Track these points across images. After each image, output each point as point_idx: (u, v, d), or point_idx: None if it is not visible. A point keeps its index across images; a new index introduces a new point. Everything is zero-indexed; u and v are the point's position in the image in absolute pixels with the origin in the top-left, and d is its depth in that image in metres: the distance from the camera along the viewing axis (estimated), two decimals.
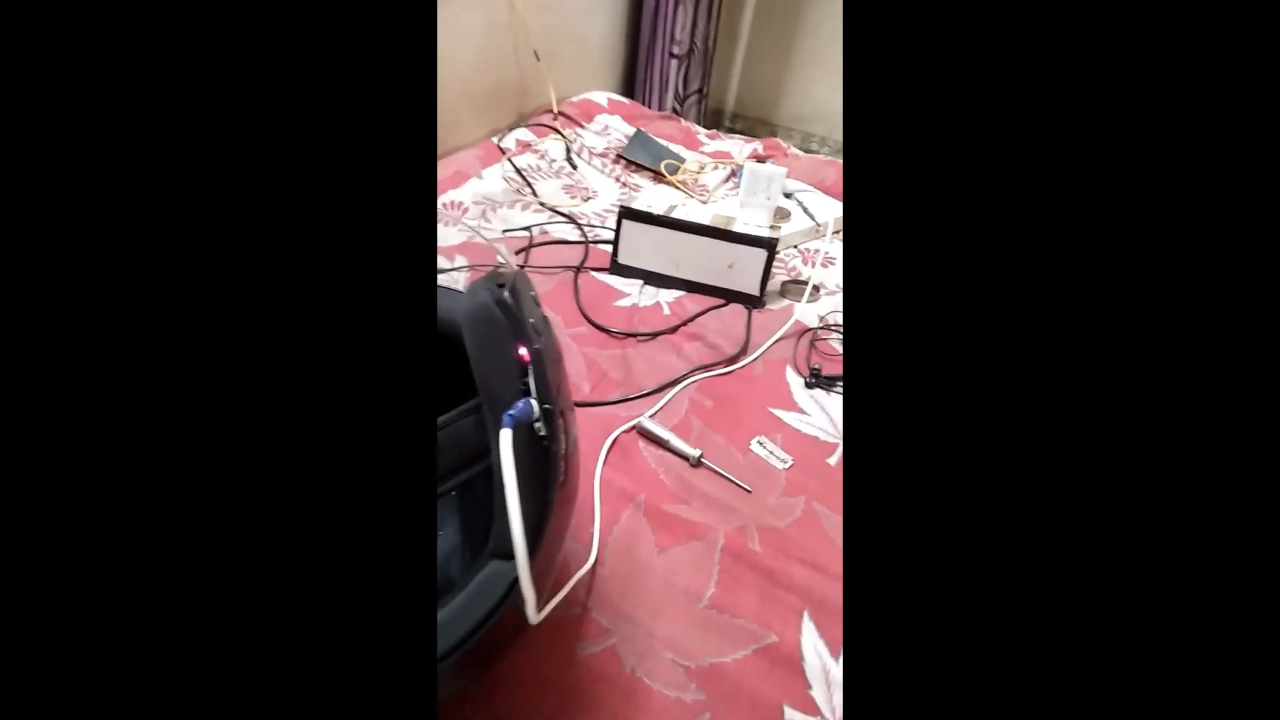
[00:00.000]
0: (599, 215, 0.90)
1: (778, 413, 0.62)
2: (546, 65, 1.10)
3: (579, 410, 0.60)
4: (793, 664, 0.42)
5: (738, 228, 0.77)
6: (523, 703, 0.40)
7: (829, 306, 0.75)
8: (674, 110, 1.42)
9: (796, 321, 0.71)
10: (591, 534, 0.49)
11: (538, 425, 0.32)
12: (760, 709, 0.40)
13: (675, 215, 0.80)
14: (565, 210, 0.90)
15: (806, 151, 1.24)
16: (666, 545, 0.49)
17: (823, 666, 0.42)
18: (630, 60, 1.41)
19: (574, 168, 1.00)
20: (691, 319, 0.72)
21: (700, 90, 1.57)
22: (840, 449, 0.59)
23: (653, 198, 0.94)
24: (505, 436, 0.29)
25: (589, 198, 0.94)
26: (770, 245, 0.71)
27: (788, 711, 0.40)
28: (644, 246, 0.76)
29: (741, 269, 0.73)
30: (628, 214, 0.75)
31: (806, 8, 1.63)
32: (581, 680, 0.42)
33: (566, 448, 0.35)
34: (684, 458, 0.56)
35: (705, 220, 0.81)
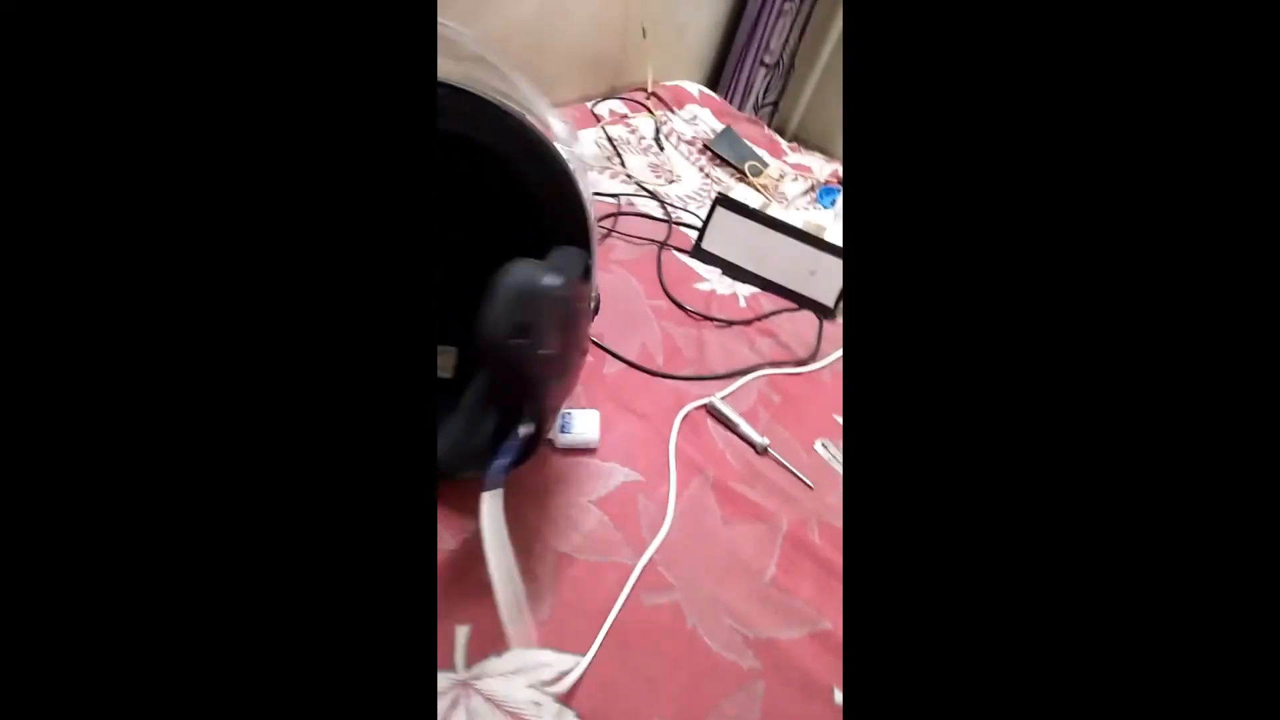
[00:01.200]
0: (680, 199, 0.91)
1: (842, 420, 0.64)
2: (647, 45, 1.11)
3: (651, 380, 0.61)
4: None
5: (828, 239, 0.79)
6: (592, 636, 0.41)
7: None
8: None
9: None
10: (667, 494, 0.50)
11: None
12: (812, 687, 0.42)
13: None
14: (650, 187, 0.91)
15: None
16: (731, 519, 0.51)
17: None
18: (720, 59, 1.43)
19: (661, 149, 1.02)
20: (767, 315, 0.73)
21: (775, 104, 1.59)
22: None
23: (735, 194, 0.96)
24: (489, 504, 0.33)
25: (673, 180, 0.96)
26: None
27: (836, 694, 0.42)
28: (731, 237, 0.77)
29: (822, 278, 0.75)
30: (723, 201, 0.76)
31: None
32: (646, 626, 0.43)
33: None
34: (751, 444, 0.58)
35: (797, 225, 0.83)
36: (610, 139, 0.96)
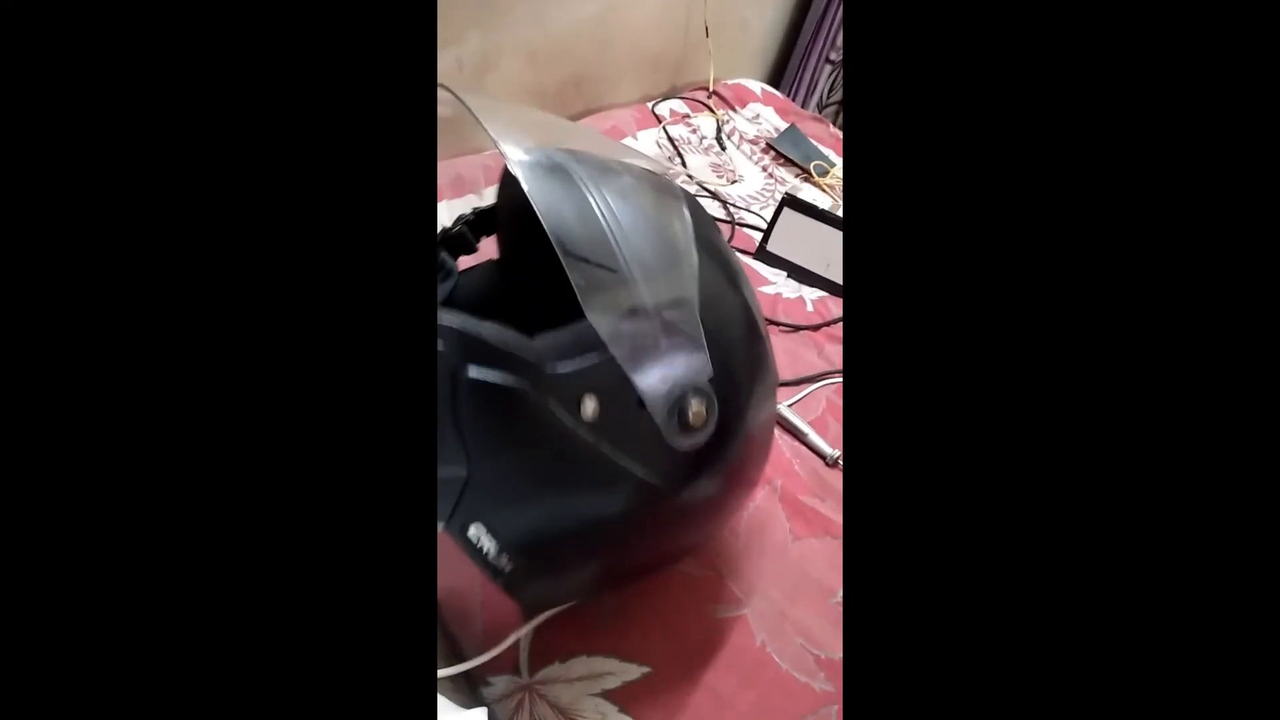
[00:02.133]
0: (743, 199, 0.89)
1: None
2: (709, 44, 1.10)
3: None
4: None
5: None
6: (658, 646, 0.40)
7: None
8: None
9: None
10: None
11: None
12: None
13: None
14: (711, 187, 0.89)
15: None
16: (801, 535, 0.49)
17: None
18: (783, 56, 1.40)
19: (722, 148, 1.00)
20: (836, 321, 0.70)
21: (840, 102, 1.54)
22: None
23: (801, 195, 0.93)
24: None
25: (735, 180, 0.94)
26: None
27: None
28: (797, 239, 0.75)
29: None
30: (791, 202, 0.74)
31: None
32: (713, 640, 0.42)
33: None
34: (820, 455, 0.56)
35: None
36: (671, 139, 0.95)
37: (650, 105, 1.02)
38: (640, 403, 0.28)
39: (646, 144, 0.93)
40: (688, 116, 1.03)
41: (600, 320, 0.27)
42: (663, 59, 1.09)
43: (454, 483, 0.28)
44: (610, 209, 0.29)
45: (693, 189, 0.87)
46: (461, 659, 0.36)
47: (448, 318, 0.27)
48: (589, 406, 0.28)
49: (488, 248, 0.46)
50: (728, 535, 0.47)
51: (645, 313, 0.29)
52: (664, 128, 0.96)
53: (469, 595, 0.41)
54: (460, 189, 0.77)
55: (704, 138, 1.00)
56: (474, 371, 0.27)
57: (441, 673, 0.31)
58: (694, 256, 0.31)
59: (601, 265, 0.28)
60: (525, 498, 0.30)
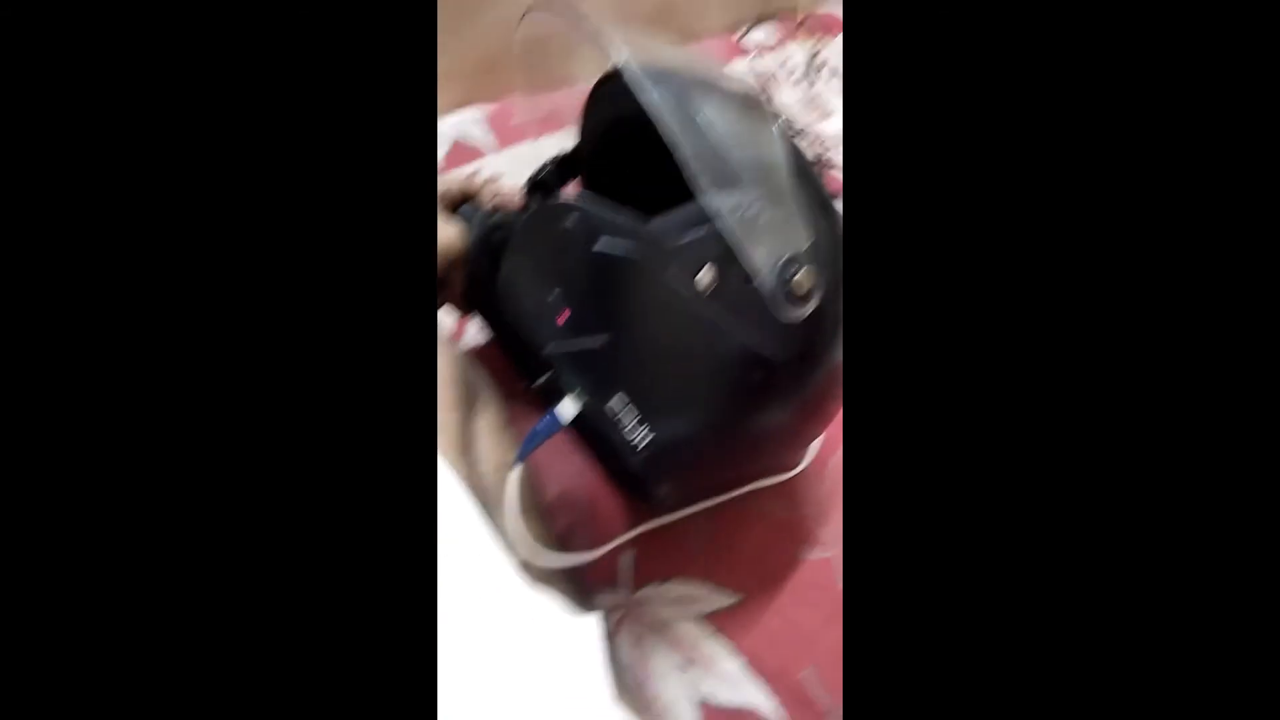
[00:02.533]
0: (834, 138, 0.85)
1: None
2: None
3: None
4: None
5: None
6: (748, 578, 0.43)
7: None
8: None
9: None
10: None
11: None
12: None
13: None
14: (800, 125, 0.85)
15: None
16: None
17: None
18: None
19: (811, 84, 0.95)
20: None
21: None
22: None
23: None
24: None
25: (826, 116, 0.89)
26: None
27: None
28: None
29: None
30: None
31: None
32: (801, 578, 0.44)
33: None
34: None
35: None
36: (758, 73, 0.91)
37: (736, 37, 0.97)
38: (748, 278, 0.31)
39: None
40: (774, 48, 0.98)
41: (711, 197, 0.30)
42: None
43: (590, 353, 0.32)
44: (713, 110, 0.32)
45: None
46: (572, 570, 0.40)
47: (575, 198, 0.31)
48: (705, 276, 0.31)
49: None
50: (815, 479, 0.48)
51: (749, 192, 0.31)
52: (750, 61, 0.92)
53: (582, 500, 0.44)
54: (553, 123, 0.77)
55: (793, 71, 0.95)
56: (601, 244, 0.30)
57: (549, 561, 0.35)
58: (784, 169, 0.33)
59: (709, 153, 0.31)
60: (657, 368, 0.32)
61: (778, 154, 0.34)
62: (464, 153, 0.68)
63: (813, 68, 0.96)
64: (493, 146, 0.70)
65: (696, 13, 0.97)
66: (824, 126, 0.85)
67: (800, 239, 0.32)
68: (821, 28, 1.06)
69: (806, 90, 0.92)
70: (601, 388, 0.32)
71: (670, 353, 0.32)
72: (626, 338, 0.31)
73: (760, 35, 0.98)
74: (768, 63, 0.94)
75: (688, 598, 0.42)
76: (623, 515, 0.43)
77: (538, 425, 0.34)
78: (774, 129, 0.35)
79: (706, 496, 0.40)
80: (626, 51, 0.32)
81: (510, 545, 0.30)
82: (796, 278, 0.30)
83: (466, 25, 0.77)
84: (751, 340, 0.32)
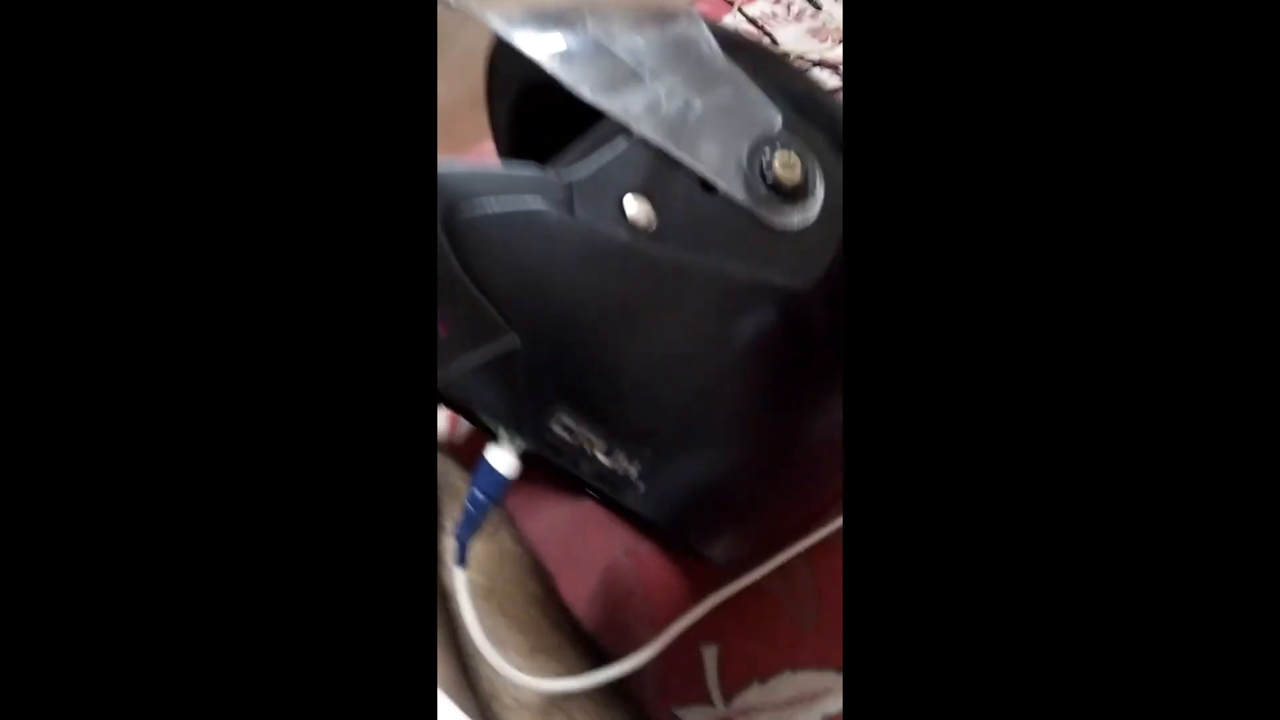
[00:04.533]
0: None
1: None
2: None
3: None
4: None
5: None
6: None
7: None
8: None
9: None
10: None
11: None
12: None
13: None
14: (816, 57, 0.74)
15: None
16: None
17: None
18: None
19: (818, 7, 0.82)
20: None
21: None
22: None
23: None
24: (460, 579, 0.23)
25: (840, 40, 0.77)
26: None
27: None
28: None
29: None
30: None
31: None
32: None
33: None
34: None
35: None
36: (752, 20, 0.80)
37: None
38: (704, 184, 0.22)
39: None
40: None
41: (619, 101, 0.21)
42: None
43: (500, 363, 0.21)
44: (606, 27, 0.24)
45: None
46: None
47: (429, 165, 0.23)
48: (634, 208, 0.21)
49: None
50: None
51: (661, 82, 0.22)
52: (739, 9, 0.81)
53: (605, 572, 0.32)
54: None
55: (791, 3, 0.83)
56: (474, 206, 0.21)
57: (581, 683, 0.25)
58: (708, 49, 0.25)
59: (587, 52, 0.23)
60: (611, 355, 0.22)
61: (693, 35, 0.25)
62: None
63: None
64: None
65: None
66: (838, 53, 0.73)
67: (765, 117, 0.23)
68: None
69: (811, 20, 0.80)
70: (532, 412, 0.22)
71: (629, 333, 0.22)
72: (543, 328, 0.22)
73: None
74: (761, 4, 0.83)
75: (804, 695, 0.31)
76: (678, 587, 0.32)
77: (467, 501, 0.24)
78: (699, 27, 0.26)
79: (792, 538, 0.29)
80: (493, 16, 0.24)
81: (502, 678, 0.21)
82: (776, 165, 0.22)
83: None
84: (744, 272, 0.22)
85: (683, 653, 0.30)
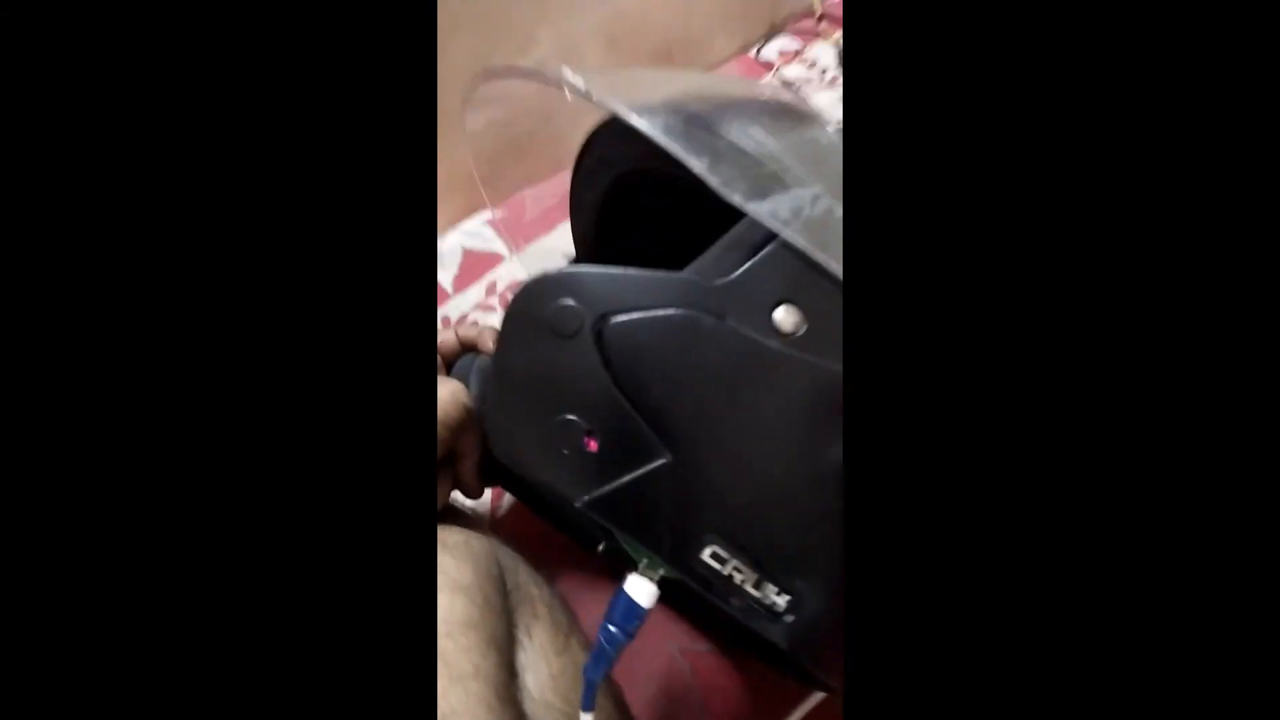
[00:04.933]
0: None
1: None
2: None
3: None
4: None
5: None
6: None
7: None
8: None
9: None
10: None
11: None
12: None
13: None
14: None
15: None
16: None
17: None
18: None
19: None
20: None
21: None
22: None
23: None
24: None
25: None
26: None
27: None
28: None
29: None
30: None
31: None
32: None
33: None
34: None
35: None
36: (789, 84, 0.81)
37: (753, 53, 0.89)
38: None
39: None
40: (799, 53, 0.88)
41: (767, 206, 0.20)
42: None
43: (647, 482, 0.20)
44: (730, 117, 0.23)
45: (832, 129, 0.72)
46: None
47: (565, 269, 0.22)
48: (784, 315, 0.20)
49: None
50: None
51: (805, 188, 0.21)
52: (777, 73, 0.82)
53: (662, 673, 0.30)
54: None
55: (825, 70, 0.84)
56: (621, 317, 0.20)
57: None
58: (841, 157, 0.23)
59: (734, 156, 0.22)
60: (766, 475, 0.20)
61: (827, 142, 0.26)
62: (477, 261, 0.61)
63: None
64: (509, 248, 0.62)
65: (702, 43, 0.90)
66: None
67: None
68: (841, 19, 0.96)
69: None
70: (682, 540, 0.20)
71: (784, 445, 0.20)
72: (696, 447, 0.20)
73: (780, 45, 0.89)
74: (794, 70, 0.84)
75: None
76: (734, 690, 0.30)
77: (600, 635, 0.22)
78: (820, 124, 0.28)
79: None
80: (592, 81, 0.23)
81: None
82: None
83: (456, 130, 0.73)
84: None
85: None
